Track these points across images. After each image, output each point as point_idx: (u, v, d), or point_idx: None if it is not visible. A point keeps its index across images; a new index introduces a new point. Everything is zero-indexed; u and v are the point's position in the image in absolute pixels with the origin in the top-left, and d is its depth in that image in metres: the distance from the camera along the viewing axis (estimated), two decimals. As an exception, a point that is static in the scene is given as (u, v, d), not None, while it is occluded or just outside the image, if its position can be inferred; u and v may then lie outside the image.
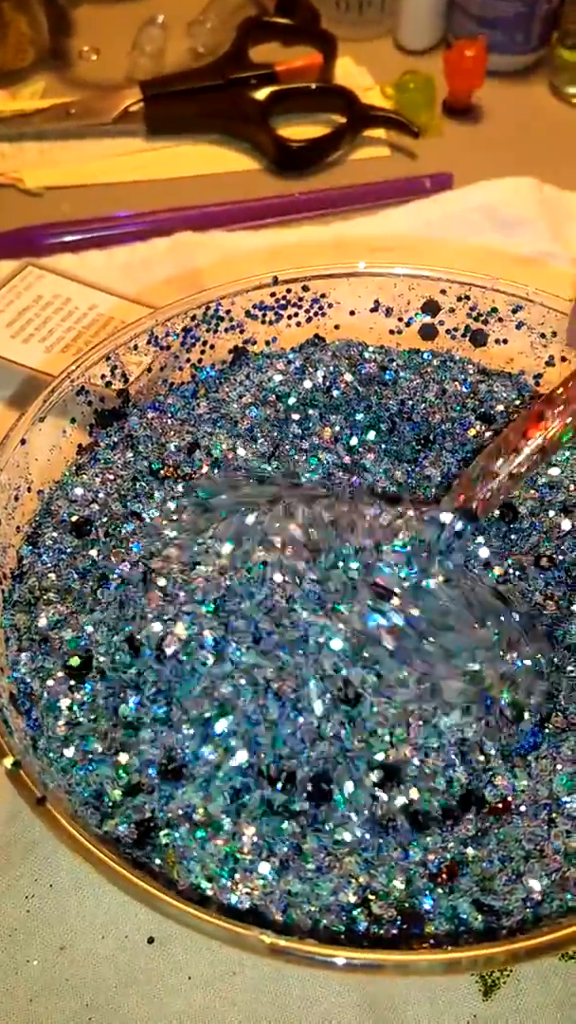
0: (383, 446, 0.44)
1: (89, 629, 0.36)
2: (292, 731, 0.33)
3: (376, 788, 0.33)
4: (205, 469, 0.42)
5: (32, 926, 0.36)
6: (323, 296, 0.48)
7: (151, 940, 0.36)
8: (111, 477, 0.41)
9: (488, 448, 0.38)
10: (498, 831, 0.32)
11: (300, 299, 0.47)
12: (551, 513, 0.41)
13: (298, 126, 0.71)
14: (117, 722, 0.34)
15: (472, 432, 0.44)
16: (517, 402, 0.45)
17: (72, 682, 0.35)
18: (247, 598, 0.35)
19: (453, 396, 0.45)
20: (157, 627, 0.34)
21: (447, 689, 0.34)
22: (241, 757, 0.33)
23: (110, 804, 0.32)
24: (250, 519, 0.37)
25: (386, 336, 0.48)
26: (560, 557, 0.39)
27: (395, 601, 0.35)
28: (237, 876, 0.31)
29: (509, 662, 0.36)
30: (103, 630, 0.36)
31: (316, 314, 0.48)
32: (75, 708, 0.34)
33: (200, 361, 0.47)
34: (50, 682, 0.34)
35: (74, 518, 0.39)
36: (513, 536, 0.40)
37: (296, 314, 0.48)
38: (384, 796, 0.33)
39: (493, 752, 0.34)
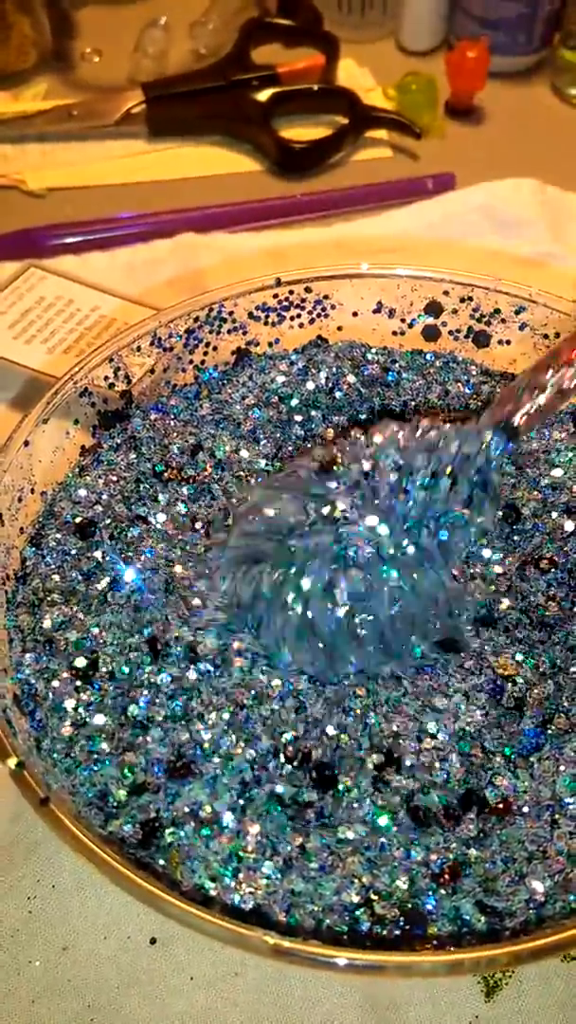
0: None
1: (95, 631, 0.36)
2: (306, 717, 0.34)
3: (376, 772, 0.33)
4: (208, 471, 0.42)
5: (34, 927, 0.36)
6: (326, 297, 0.48)
7: (153, 941, 0.36)
8: (114, 479, 0.41)
9: (538, 361, 0.37)
10: (501, 832, 0.32)
11: (303, 300, 0.47)
12: (554, 515, 0.41)
13: (300, 127, 0.71)
14: (125, 722, 0.34)
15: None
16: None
17: (78, 683, 0.35)
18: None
19: (456, 397, 0.45)
20: (186, 632, 0.36)
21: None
22: (265, 743, 0.33)
23: (115, 804, 0.32)
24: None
25: (389, 337, 0.48)
26: (562, 559, 0.39)
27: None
28: (241, 875, 0.31)
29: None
30: (115, 632, 0.36)
31: (319, 315, 0.48)
32: (80, 709, 0.34)
33: (203, 362, 0.47)
34: (55, 683, 0.35)
35: (78, 519, 0.39)
36: (516, 537, 0.40)
37: (299, 315, 0.48)
38: (385, 779, 0.33)
39: (493, 747, 0.34)
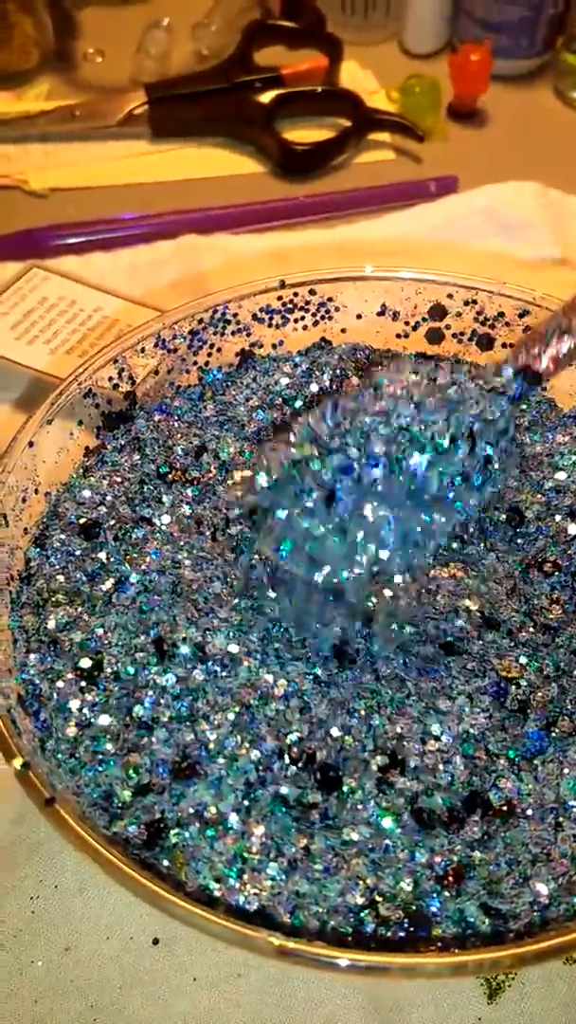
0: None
1: (100, 631, 0.36)
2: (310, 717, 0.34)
3: (380, 774, 0.33)
4: (213, 472, 0.42)
5: (37, 927, 0.36)
6: (330, 300, 0.48)
7: (156, 941, 0.36)
8: (118, 480, 0.41)
9: (566, 304, 0.35)
10: (505, 834, 0.32)
11: (307, 303, 0.47)
12: (557, 518, 0.41)
13: (303, 129, 0.71)
14: (130, 723, 0.34)
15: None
16: (523, 406, 0.45)
17: (83, 683, 0.35)
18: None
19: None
20: (195, 632, 0.36)
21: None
22: (269, 744, 0.33)
23: (119, 805, 0.32)
24: None
25: (393, 340, 0.48)
26: (566, 562, 0.39)
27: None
28: (245, 876, 0.31)
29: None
30: (120, 632, 0.36)
31: (323, 318, 0.48)
32: (85, 709, 0.34)
33: (207, 364, 0.47)
34: (60, 683, 0.35)
35: (82, 520, 0.39)
36: (519, 540, 0.41)
37: (303, 317, 0.48)
38: (389, 781, 0.33)
39: (497, 750, 0.34)
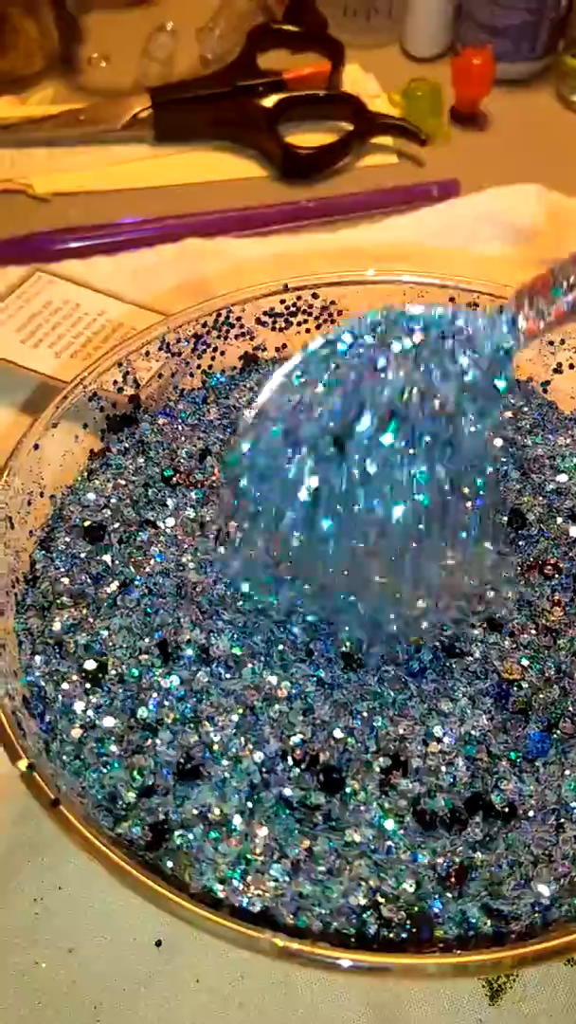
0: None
1: (105, 634, 0.36)
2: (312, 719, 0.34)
3: (383, 775, 0.33)
4: (217, 475, 0.42)
5: (40, 928, 0.36)
6: (332, 303, 0.48)
7: (159, 943, 0.36)
8: (123, 483, 0.41)
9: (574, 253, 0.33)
10: (506, 836, 0.33)
11: (310, 306, 0.48)
12: (559, 520, 0.41)
13: (306, 133, 0.71)
14: (134, 724, 0.34)
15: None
16: (525, 408, 0.45)
17: (88, 685, 0.35)
18: None
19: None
20: (199, 634, 0.36)
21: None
22: (273, 746, 0.33)
23: (124, 806, 0.32)
24: None
25: (395, 343, 0.48)
26: (567, 564, 0.40)
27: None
28: (249, 878, 0.31)
29: None
30: (124, 635, 0.36)
31: (325, 321, 0.48)
32: (90, 711, 0.34)
33: (211, 367, 0.47)
34: (65, 685, 0.35)
35: (87, 523, 0.40)
36: (521, 542, 0.41)
37: (305, 321, 0.48)
38: (392, 782, 0.33)
39: (498, 752, 0.34)
